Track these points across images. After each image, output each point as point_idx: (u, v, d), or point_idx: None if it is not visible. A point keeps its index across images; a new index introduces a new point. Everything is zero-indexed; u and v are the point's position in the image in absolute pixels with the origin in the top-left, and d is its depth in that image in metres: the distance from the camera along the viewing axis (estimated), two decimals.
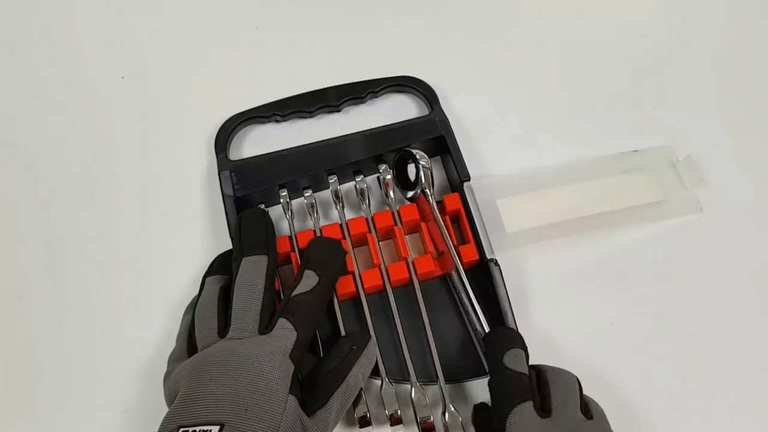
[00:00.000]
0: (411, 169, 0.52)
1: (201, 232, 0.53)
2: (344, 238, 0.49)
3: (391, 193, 0.51)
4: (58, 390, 0.48)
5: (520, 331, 0.46)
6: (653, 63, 0.60)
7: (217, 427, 0.34)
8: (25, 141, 0.57)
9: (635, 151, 0.54)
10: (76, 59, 0.61)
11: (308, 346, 0.42)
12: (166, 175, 0.55)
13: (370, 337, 0.45)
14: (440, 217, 0.49)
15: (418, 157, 0.51)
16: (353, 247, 0.49)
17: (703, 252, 0.52)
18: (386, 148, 0.53)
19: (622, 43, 0.61)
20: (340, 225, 0.50)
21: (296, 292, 0.42)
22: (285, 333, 0.40)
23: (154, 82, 0.59)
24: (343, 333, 0.46)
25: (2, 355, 0.49)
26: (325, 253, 0.46)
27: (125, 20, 0.63)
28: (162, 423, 0.36)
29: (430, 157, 0.54)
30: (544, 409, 0.39)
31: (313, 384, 0.40)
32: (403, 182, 0.52)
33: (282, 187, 0.51)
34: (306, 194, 0.51)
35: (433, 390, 0.46)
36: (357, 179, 0.52)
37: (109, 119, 0.58)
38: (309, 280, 0.43)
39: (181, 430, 0.35)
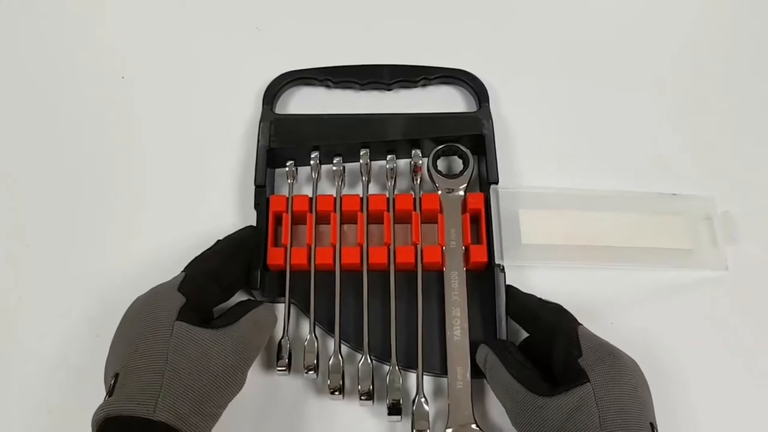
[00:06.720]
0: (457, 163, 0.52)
1: (232, 186, 0.54)
2: (361, 210, 0.50)
3: (419, 179, 0.51)
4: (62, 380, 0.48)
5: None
6: (714, 111, 0.58)
7: (113, 379, 0.37)
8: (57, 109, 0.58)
9: (674, 194, 0.52)
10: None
11: (206, 279, 0.44)
12: (212, 124, 0.57)
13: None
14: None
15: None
16: (368, 223, 0.50)
17: (720, 311, 0.50)
18: (426, 134, 0.53)
19: (692, 83, 0.59)
20: (361, 198, 0.50)
21: None
22: (176, 276, 0.43)
23: (219, 35, 0.61)
24: (338, 301, 0.47)
25: (1, 355, 0.48)
26: None
27: None
28: None
29: None
30: None
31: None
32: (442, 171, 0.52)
33: (315, 149, 0.52)
34: (335, 161, 0.52)
35: (410, 378, 0.46)
36: (388, 158, 0.52)
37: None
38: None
39: (106, 395, 0.38)
